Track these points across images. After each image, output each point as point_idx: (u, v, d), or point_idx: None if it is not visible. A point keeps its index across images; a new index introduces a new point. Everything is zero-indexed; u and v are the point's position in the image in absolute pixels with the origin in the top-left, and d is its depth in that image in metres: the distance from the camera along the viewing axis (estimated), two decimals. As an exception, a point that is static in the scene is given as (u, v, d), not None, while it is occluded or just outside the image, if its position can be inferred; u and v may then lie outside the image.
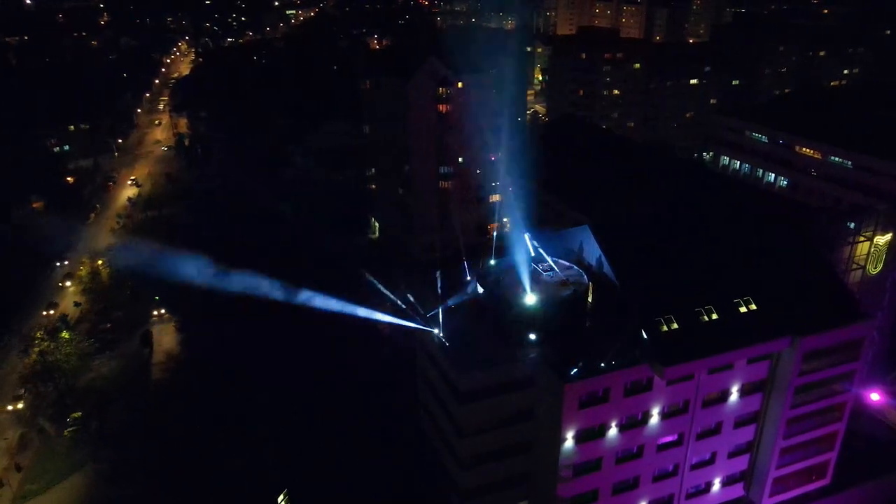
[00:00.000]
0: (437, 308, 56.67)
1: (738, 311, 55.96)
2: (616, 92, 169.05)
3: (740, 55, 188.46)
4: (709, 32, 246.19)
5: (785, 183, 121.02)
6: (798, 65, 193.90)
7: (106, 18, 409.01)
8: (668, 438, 56.97)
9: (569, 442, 52.30)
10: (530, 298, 55.46)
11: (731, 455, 61.02)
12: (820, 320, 56.46)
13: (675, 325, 53.67)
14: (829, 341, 56.78)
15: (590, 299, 59.88)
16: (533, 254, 61.33)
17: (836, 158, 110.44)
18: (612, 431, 53.65)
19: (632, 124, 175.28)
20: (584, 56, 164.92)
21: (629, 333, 53.76)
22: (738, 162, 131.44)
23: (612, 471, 55.62)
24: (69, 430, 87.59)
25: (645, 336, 52.70)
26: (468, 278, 60.84)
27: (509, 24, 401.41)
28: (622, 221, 62.58)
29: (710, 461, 60.31)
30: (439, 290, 59.01)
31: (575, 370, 50.55)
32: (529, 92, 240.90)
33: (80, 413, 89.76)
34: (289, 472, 65.18)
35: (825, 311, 57.40)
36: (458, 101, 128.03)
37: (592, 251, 59.18)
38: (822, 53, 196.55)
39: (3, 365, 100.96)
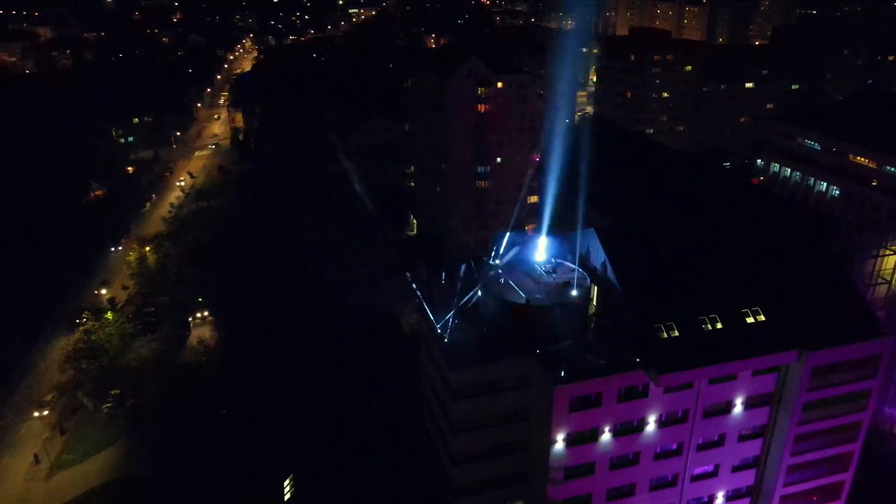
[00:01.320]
0: (442, 304, 57.39)
1: (745, 321, 54.58)
2: (666, 95, 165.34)
3: (802, 58, 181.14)
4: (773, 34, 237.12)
5: (837, 193, 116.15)
6: (864, 69, 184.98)
7: (179, 16, 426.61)
8: (667, 447, 56.03)
9: (559, 444, 52.18)
10: (530, 299, 55.54)
11: (736, 469, 59.43)
12: (832, 335, 54.44)
13: (676, 333, 52.81)
14: (841, 357, 54.66)
15: (594, 303, 59.76)
16: (539, 255, 61.43)
17: (893, 168, 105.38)
18: (606, 436, 53.19)
19: (682, 128, 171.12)
20: (633, 58, 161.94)
21: (627, 338, 53.23)
22: (790, 170, 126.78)
23: (606, 476, 55.11)
24: (106, 405, 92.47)
25: (643, 342, 52.05)
26: (475, 276, 61.27)
27: (569, 24, 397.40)
28: (630, 225, 61.71)
29: (713, 474, 58.92)
30: (447, 288, 59.87)
31: (565, 372, 50.39)
32: (582, 93, 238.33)
33: (118, 391, 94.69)
34: (295, 458, 67.14)
35: (840, 326, 55.26)
36: (498, 101, 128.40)
37: (599, 254, 58.70)
38: (890, 58, 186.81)
39: (51, 341, 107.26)
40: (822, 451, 58.83)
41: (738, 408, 56.00)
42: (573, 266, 60.38)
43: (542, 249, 62.14)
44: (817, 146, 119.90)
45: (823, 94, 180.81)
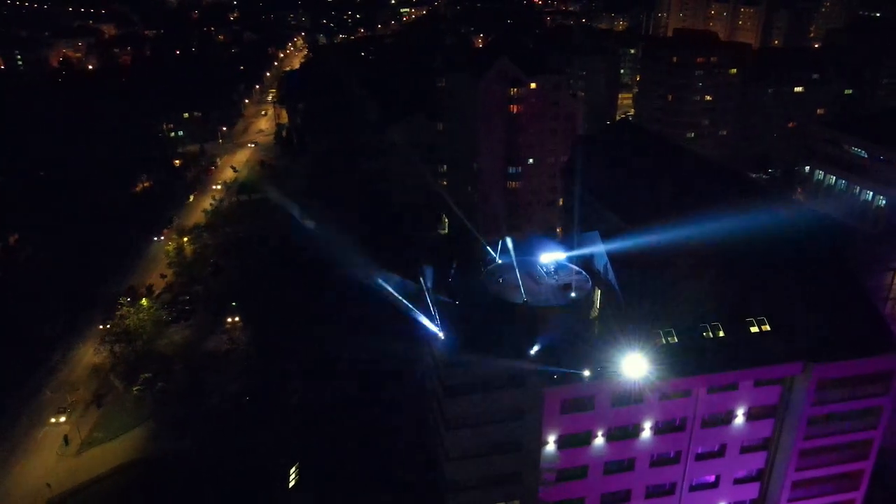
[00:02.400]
0: (447, 302, 57.96)
1: (749, 330, 53.49)
2: (709, 98, 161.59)
3: (856, 61, 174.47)
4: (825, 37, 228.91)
5: (883, 203, 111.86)
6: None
7: (236, 14, 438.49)
8: (664, 455, 55.34)
9: (550, 446, 52.28)
10: (529, 300, 55.73)
11: (739, 481, 58.24)
12: (842, 348, 52.78)
13: (674, 339, 52.20)
14: (849, 371, 53.01)
15: (597, 306, 59.52)
16: (544, 256, 61.47)
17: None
18: (599, 440, 52.96)
19: (724, 132, 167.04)
20: (675, 59, 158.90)
21: (623, 343, 52.80)
22: (834, 178, 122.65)
23: (600, 481, 54.83)
24: (136, 388, 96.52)
25: (639, 347, 51.56)
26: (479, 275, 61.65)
27: (621, 25, 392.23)
28: (636, 229, 60.99)
29: (714, 484, 57.91)
30: (453, 286, 60.44)
31: (556, 375, 50.40)
32: (627, 95, 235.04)
33: (148, 374, 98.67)
34: (302, 449, 68.82)
35: (851, 339, 53.47)
36: (530, 102, 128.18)
37: (603, 257, 58.34)
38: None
39: (91, 325, 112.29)
40: (829, 468, 57.14)
41: (739, 419, 54.89)
42: (578, 269, 60.22)
43: (547, 250, 62.10)
44: (864, 153, 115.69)
45: (877, 99, 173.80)
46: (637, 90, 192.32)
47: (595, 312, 59.63)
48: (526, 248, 62.34)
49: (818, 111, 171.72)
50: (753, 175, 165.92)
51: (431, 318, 57.75)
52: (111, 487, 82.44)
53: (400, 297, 66.94)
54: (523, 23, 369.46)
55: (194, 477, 78.12)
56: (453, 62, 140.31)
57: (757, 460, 57.52)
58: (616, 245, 57.26)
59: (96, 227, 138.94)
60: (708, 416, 54.43)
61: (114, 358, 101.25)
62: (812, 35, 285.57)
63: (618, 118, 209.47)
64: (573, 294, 56.38)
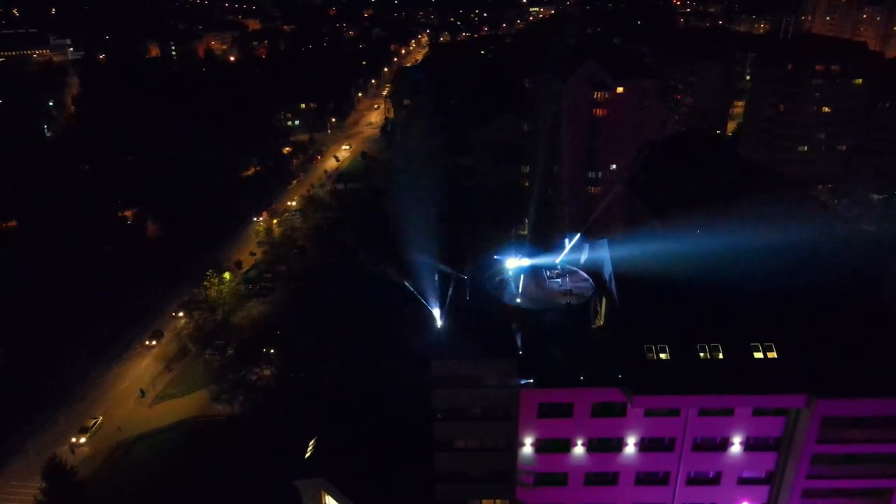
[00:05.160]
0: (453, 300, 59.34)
1: (752, 355, 50.47)
2: (826, 109, 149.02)
3: None
4: None
5: None
6: None
7: (370, 12, 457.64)
8: (650, 474, 53.48)
9: (528, 448, 52.33)
10: (527, 301, 55.95)
11: (737, 513, 55.09)
12: (858, 385, 48.49)
13: (665, 356, 50.35)
14: (861, 410, 48.59)
15: (601, 313, 58.46)
16: (557, 260, 61.21)
17: None
18: (579, 449, 52.21)
19: (843, 147, 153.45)
20: (790, 67, 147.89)
21: (615, 354, 51.75)
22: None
23: (581, 490, 53.95)
24: (208, 352, 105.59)
25: (628, 359, 50.36)
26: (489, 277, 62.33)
27: (761, 28, 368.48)
28: (649, 240, 59.14)
29: (708, 513, 55.17)
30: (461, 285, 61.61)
31: (538, 377, 50.34)
32: (741, 102, 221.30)
33: (221, 342, 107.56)
34: (320, 425, 72.54)
35: (868, 377, 48.95)
36: (616, 106, 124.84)
37: (609, 265, 57.23)
38: None
39: (183, 293, 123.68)
40: (840, 513, 52.67)
41: (736, 447, 51.89)
42: (585, 276, 59.39)
43: (564, 255, 61.73)
44: None
45: None
46: (747, 98, 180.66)
47: (601, 321, 58.57)
48: (547, 252, 62.29)
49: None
50: (877, 196, 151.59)
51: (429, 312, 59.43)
52: (171, 438, 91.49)
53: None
54: (654, 24, 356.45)
55: (235, 439, 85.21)
56: (541, 62, 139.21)
57: (759, 494, 54.05)
58: (622, 253, 56.02)
59: (205, 206, 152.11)
60: (700, 440, 51.95)
61: (194, 324, 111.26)
62: None
63: (733, 127, 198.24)
64: (571, 300, 55.81)
